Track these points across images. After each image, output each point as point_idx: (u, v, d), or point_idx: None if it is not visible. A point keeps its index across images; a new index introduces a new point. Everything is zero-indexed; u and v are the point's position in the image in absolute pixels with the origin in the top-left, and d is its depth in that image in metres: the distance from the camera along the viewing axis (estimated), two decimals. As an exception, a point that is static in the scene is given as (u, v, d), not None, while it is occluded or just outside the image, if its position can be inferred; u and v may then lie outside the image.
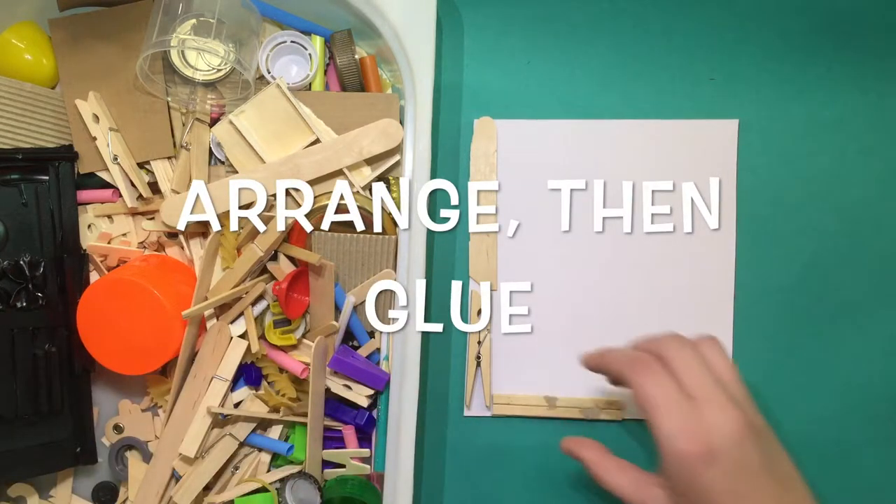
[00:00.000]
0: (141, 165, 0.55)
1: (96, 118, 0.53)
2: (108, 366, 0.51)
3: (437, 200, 0.57)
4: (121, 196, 0.54)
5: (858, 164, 0.56)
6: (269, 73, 0.54)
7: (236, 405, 0.54)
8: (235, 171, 0.54)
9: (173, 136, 0.54)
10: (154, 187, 0.55)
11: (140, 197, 0.54)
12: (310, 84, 0.55)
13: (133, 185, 0.54)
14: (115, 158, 0.53)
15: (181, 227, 0.52)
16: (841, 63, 0.56)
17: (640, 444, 0.56)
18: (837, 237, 0.56)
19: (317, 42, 0.54)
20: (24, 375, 0.52)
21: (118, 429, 0.55)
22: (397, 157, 0.53)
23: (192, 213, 0.52)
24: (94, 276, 0.55)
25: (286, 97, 0.53)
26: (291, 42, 0.54)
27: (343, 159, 0.52)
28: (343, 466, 0.53)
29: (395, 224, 0.53)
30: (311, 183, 0.53)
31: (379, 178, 0.54)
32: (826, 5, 0.56)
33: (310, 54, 0.54)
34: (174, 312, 0.50)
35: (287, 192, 0.53)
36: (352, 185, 0.53)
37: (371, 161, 0.53)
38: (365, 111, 0.53)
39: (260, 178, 0.52)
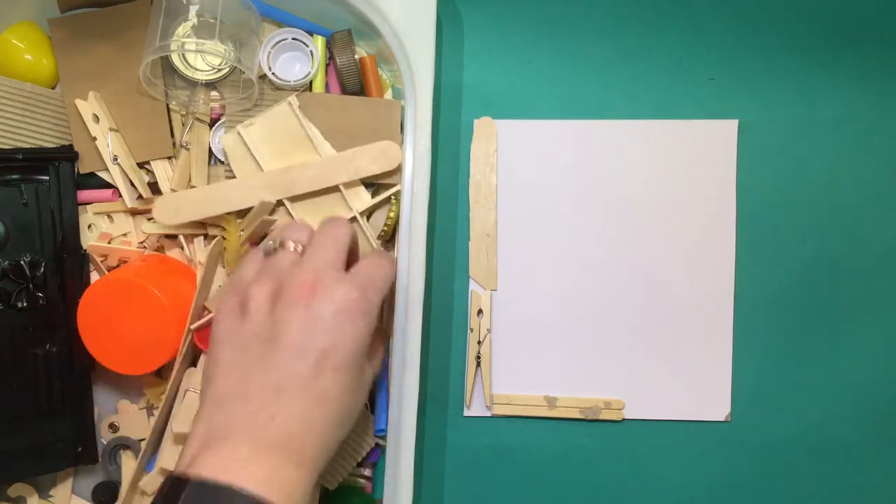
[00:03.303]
0: (141, 165, 0.54)
1: (96, 118, 0.53)
2: (108, 365, 0.51)
3: (437, 202, 0.57)
4: (121, 196, 0.54)
5: (858, 164, 0.56)
6: (270, 70, 0.54)
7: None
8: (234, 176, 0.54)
9: (173, 136, 0.54)
10: (154, 187, 0.55)
11: (140, 197, 0.54)
12: (311, 82, 0.55)
13: (133, 185, 0.54)
14: (115, 159, 0.53)
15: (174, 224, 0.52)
16: (841, 63, 0.56)
17: (641, 445, 0.56)
18: (837, 237, 0.56)
19: (318, 41, 0.54)
20: (24, 375, 0.52)
21: (113, 428, 0.55)
22: (398, 187, 0.52)
23: (185, 213, 0.52)
24: (94, 276, 0.55)
25: (296, 116, 0.53)
26: (293, 39, 0.54)
27: (339, 177, 0.52)
28: None
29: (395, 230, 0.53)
30: (306, 197, 0.52)
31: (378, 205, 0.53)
32: (826, 5, 0.56)
33: (311, 52, 0.54)
34: (173, 312, 0.50)
35: (280, 203, 0.53)
36: (349, 207, 0.52)
37: (369, 182, 0.53)
38: (366, 116, 0.53)
39: (254, 186, 0.52)
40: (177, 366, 0.52)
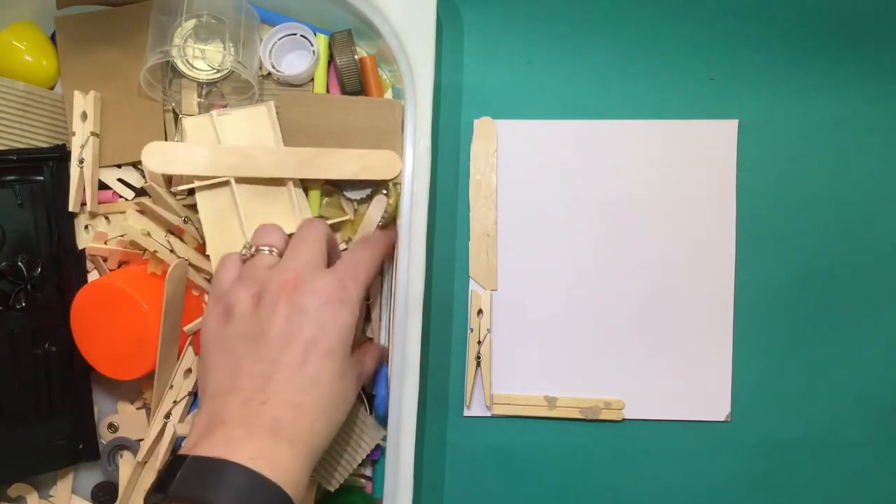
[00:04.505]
0: (135, 165, 0.54)
1: (84, 115, 0.53)
2: (98, 368, 0.51)
3: (437, 202, 0.57)
4: (121, 197, 0.54)
5: (858, 164, 0.56)
6: (272, 66, 0.54)
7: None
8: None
9: (166, 138, 0.54)
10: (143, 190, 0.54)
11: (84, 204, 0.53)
12: (312, 76, 0.54)
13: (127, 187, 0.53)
14: (81, 162, 0.53)
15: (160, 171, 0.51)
16: (841, 63, 0.56)
17: (641, 444, 0.56)
18: (837, 237, 0.56)
19: (321, 39, 0.54)
20: (24, 375, 0.52)
21: (112, 427, 0.55)
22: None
23: (175, 166, 0.51)
24: (96, 277, 0.54)
25: (270, 121, 0.53)
26: (301, 36, 0.54)
27: (343, 170, 0.52)
28: None
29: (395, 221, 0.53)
30: (265, 182, 0.52)
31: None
32: (826, 5, 0.56)
33: (314, 51, 0.54)
34: (156, 321, 0.49)
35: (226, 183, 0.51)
36: (294, 206, 0.52)
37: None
38: (368, 116, 0.53)
39: (253, 155, 0.51)
40: (157, 373, 0.51)
